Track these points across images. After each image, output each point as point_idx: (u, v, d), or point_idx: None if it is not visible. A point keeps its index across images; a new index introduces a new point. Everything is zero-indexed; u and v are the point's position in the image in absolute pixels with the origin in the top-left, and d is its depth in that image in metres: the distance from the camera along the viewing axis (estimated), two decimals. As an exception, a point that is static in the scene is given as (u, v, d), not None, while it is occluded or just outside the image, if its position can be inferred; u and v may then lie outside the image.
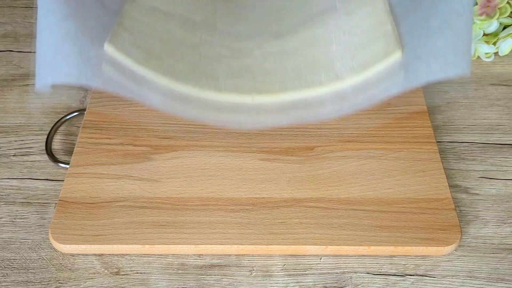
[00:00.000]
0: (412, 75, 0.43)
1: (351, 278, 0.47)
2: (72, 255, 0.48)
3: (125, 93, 0.43)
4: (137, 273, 0.47)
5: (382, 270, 0.47)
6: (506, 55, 0.63)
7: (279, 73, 0.48)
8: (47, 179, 0.53)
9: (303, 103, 0.45)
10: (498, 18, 0.62)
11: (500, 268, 0.47)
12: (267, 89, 0.46)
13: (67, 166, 0.53)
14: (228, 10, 0.55)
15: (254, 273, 0.47)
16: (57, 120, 0.57)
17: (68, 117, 0.57)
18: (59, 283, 0.46)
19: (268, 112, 0.45)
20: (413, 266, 0.47)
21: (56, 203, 0.50)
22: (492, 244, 0.49)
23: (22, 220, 0.50)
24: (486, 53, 0.64)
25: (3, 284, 0.46)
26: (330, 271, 0.47)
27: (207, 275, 0.47)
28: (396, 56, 0.45)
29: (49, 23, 0.43)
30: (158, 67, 0.45)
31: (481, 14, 0.61)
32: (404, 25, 0.46)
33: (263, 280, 0.46)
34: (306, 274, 0.47)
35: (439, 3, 0.44)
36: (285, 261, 0.48)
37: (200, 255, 0.48)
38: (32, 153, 0.55)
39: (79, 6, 0.45)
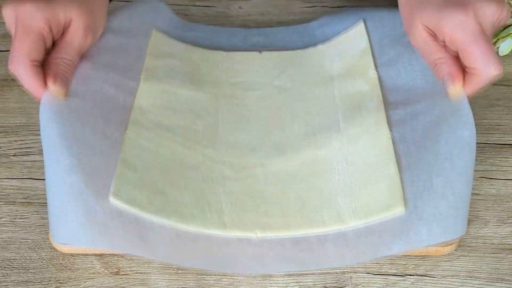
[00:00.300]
0: (414, 236, 0.43)
1: (351, 278, 0.47)
2: (72, 255, 0.48)
3: (131, 251, 0.44)
4: (137, 273, 0.47)
5: (382, 270, 0.47)
6: (506, 55, 0.63)
7: (281, 204, 0.48)
8: (47, 179, 0.53)
9: (304, 241, 0.46)
10: (498, 18, 0.62)
11: (500, 268, 0.47)
12: (270, 224, 0.47)
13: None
14: (230, 114, 0.55)
15: (254, 273, 0.47)
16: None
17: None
18: (59, 283, 0.46)
19: (270, 250, 0.45)
20: (413, 266, 0.47)
21: (56, 203, 0.50)
22: (492, 244, 0.49)
23: (22, 220, 0.50)
24: (486, 53, 0.63)
25: (3, 284, 0.46)
26: (330, 271, 0.47)
27: (207, 275, 0.47)
28: (399, 211, 0.45)
29: (55, 177, 0.44)
30: (163, 208, 0.46)
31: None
32: (407, 173, 0.46)
33: (263, 280, 0.46)
34: (306, 274, 0.47)
35: (442, 158, 0.45)
36: (285, 261, 0.47)
37: (200, 255, 0.48)
38: (32, 153, 0.55)
39: (82, 148, 0.46)
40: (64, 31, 0.49)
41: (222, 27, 0.64)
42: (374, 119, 0.51)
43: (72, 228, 0.43)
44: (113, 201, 0.45)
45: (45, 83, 0.46)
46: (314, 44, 0.61)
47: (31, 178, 0.53)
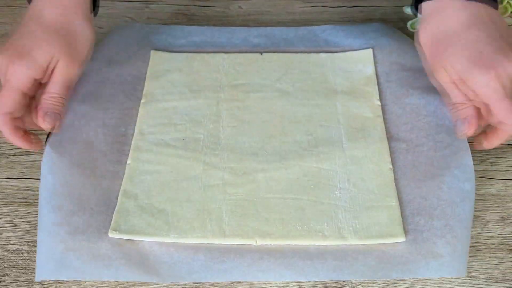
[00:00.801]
0: (412, 268, 0.45)
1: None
2: (72, 255, 0.48)
3: (136, 278, 0.45)
4: (137, 273, 0.47)
5: (382, 270, 0.47)
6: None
7: (282, 212, 0.48)
8: (47, 179, 0.53)
9: (304, 251, 0.46)
10: (498, 18, 0.61)
11: (500, 268, 0.47)
12: (270, 232, 0.47)
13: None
14: (231, 118, 0.55)
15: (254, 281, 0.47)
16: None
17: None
18: (59, 283, 0.46)
19: (270, 257, 0.46)
20: (413, 266, 0.47)
21: (56, 203, 0.50)
22: (492, 244, 0.49)
23: (22, 220, 0.50)
24: (486, 53, 0.63)
25: (3, 284, 0.46)
26: (330, 271, 0.47)
27: (207, 275, 0.47)
28: (399, 240, 0.47)
29: (57, 219, 0.46)
30: (162, 227, 0.47)
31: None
32: (408, 209, 0.48)
33: (263, 280, 0.46)
34: (306, 274, 0.47)
35: (445, 204, 0.48)
36: (285, 261, 0.47)
37: (200, 255, 0.48)
38: (32, 153, 0.55)
39: (83, 192, 0.48)
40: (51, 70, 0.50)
41: (222, 27, 0.64)
42: (378, 149, 0.52)
43: (77, 266, 0.45)
44: (112, 236, 0.46)
45: (23, 136, 0.49)
46: (315, 49, 0.61)
47: (31, 178, 0.53)
